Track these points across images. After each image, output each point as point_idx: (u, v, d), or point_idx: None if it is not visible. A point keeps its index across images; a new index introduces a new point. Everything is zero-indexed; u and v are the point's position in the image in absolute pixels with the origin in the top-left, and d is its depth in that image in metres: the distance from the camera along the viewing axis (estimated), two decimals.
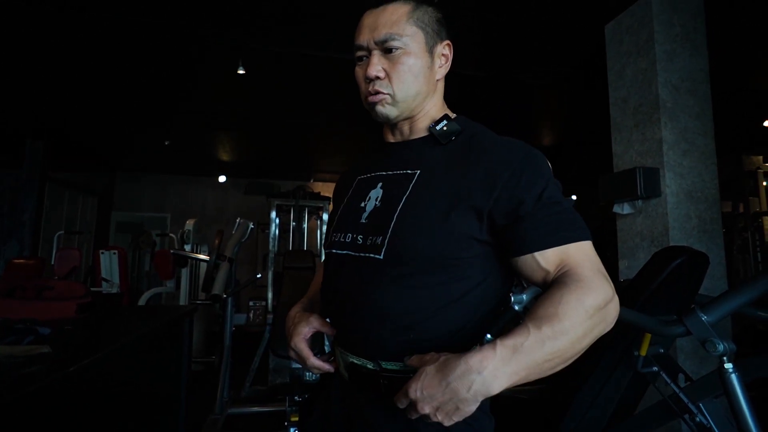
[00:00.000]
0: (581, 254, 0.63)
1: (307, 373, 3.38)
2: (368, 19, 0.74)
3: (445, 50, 0.77)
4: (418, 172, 0.72)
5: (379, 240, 0.68)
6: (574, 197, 7.70)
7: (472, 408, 0.54)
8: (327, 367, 0.77)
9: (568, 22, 2.72)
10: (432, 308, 0.65)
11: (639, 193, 2.24)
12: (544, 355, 0.55)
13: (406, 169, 0.74)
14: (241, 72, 3.14)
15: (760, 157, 4.76)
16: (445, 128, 0.75)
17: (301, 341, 0.77)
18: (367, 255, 0.69)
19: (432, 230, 0.65)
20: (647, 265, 1.44)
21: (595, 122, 4.50)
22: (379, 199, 0.74)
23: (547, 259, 0.63)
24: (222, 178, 7.40)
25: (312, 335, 0.79)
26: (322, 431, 0.78)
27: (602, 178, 2.52)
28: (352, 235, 0.73)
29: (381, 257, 0.67)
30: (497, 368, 0.53)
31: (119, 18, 2.68)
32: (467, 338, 0.67)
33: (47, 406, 0.93)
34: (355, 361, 0.71)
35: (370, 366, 0.68)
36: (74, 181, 6.20)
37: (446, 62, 0.78)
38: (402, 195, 0.70)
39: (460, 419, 0.56)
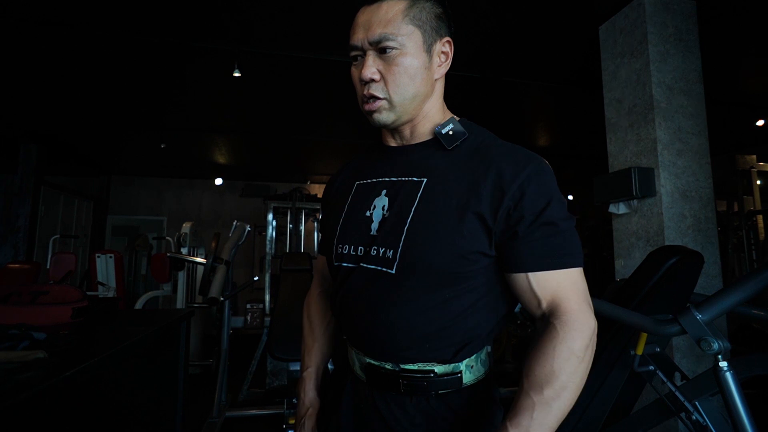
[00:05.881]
0: (570, 283, 0.65)
1: None
2: (363, 17, 0.70)
3: (444, 47, 0.72)
4: (425, 180, 0.70)
5: (390, 254, 0.67)
6: (570, 197, 7.73)
7: None
8: None
9: (562, 24, 2.74)
10: (445, 320, 0.67)
11: (634, 192, 2.26)
12: (554, 418, 0.57)
13: (412, 177, 0.71)
14: (236, 75, 3.14)
15: (754, 156, 4.79)
16: (451, 132, 0.72)
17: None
18: (379, 268, 0.69)
19: (443, 246, 0.65)
20: (642, 265, 1.45)
21: (590, 123, 4.52)
22: (385, 208, 0.71)
23: (539, 283, 0.65)
24: (218, 181, 7.38)
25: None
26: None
27: (598, 178, 2.53)
28: (363, 248, 0.71)
29: (393, 272, 0.67)
30: None
31: (115, 21, 2.67)
32: (480, 344, 0.70)
33: (43, 412, 0.92)
34: (373, 362, 0.71)
35: (388, 366, 0.69)
36: (69, 185, 6.16)
37: (446, 60, 0.73)
38: (411, 206, 0.69)
39: None
